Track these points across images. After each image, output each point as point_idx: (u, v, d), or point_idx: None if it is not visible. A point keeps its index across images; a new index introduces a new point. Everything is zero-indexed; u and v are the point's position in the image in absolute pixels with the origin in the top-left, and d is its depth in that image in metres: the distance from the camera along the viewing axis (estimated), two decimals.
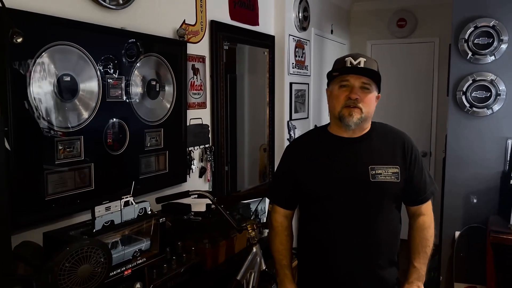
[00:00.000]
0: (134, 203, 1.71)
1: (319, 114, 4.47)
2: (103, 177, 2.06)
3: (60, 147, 1.86)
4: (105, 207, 1.59)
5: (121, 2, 2.11)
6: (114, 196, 1.70)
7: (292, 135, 3.73)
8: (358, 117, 1.61)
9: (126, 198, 1.68)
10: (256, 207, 2.52)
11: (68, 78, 1.87)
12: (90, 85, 1.98)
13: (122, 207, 1.66)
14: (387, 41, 5.15)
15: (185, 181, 2.61)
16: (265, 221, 2.64)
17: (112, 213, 1.62)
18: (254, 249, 2.15)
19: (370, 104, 1.64)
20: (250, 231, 2.15)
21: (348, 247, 1.67)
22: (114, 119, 2.12)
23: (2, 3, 1.27)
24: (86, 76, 1.95)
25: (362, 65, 1.61)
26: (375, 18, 5.16)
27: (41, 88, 1.76)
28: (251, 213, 2.52)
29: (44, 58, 1.77)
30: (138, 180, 2.23)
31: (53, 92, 1.81)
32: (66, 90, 1.86)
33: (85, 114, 1.97)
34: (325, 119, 4.64)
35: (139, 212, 1.74)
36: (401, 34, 5.05)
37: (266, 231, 2.58)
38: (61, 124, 1.86)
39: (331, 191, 1.67)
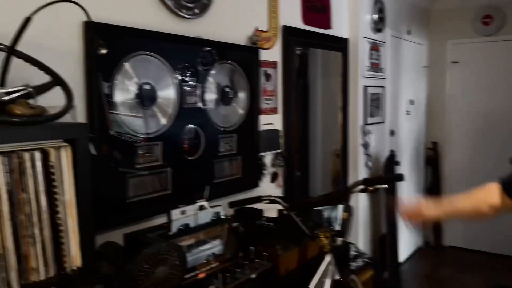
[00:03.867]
0: (208, 208, 1.75)
1: (396, 118, 4.28)
2: (180, 181, 2.12)
3: (140, 152, 1.95)
4: (181, 211, 1.64)
5: (196, 11, 2.18)
6: (190, 200, 1.74)
7: (367, 140, 3.62)
8: None
9: (200, 202, 1.72)
10: (329, 214, 2.46)
11: (148, 86, 1.96)
12: (168, 92, 2.05)
13: (197, 211, 1.70)
14: (470, 40, 4.81)
15: (257, 186, 2.63)
16: (339, 229, 2.57)
17: (187, 217, 1.66)
18: (327, 258, 2.09)
19: None
20: (323, 239, 2.10)
21: None
22: (190, 125, 2.18)
23: (89, 17, 1.36)
24: (164, 84, 2.03)
25: None
26: (457, 16, 4.85)
27: (123, 96, 1.86)
28: (324, 221, 2.47)
29: (126, 67, 1.87)
30: (212, 185, 2.27)
31: (134, 99, 1.90)
32: (146, 98, 1.95)
33: (163, 121, 2.04)
34: (402, 124, 4.44)
35: (212, 216, 1.77)
36: (486, 31, 4.70)
37: (340, 239, 2.51)
38: (142, 130, 1.94)
39: None
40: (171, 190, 2.08)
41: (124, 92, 1.86)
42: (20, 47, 1.33)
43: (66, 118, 1.30)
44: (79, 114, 1.70)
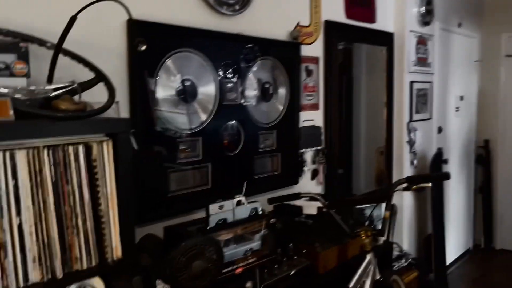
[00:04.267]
0: (245, 203, 1.75)
1: (444, 115, 4.12)
2: (219, 177, 2.14)
3: (182, 148, 1.98)
4: (219, 206, 1.65)
5: (237, 8, 2.19)
6: (229, 195, 1.76)
7: (413, 137, 3.50)
8: None
9: (238, 197, 1.73)
10: (371, 213, 2.41)
11: (189, 83, 1.99)
12: (208, 89, 2.08)
13: (234, 206, 1.71)
14: None
15: (297, 183, 2.61)
16: (380, 228, 2.51)
17: (225, 211, 1.67)
18: (368, 257, 2.05)
19: None
20: (364, 238, 2.06)
21: None
22: (230, 121, 2.20)
23: (130, 16, 1.39)
24: (205, 80, 2.06)
25: None
26: None
27: (165, 92, 1.90)
28: (366, 219, 2.42)
29: (168, 64, 1.90)
30: (252, 181, 2.28)
31: (175, 95, 1.94)
32: (187, 94, 1.98)
33: (204, 117, 2.07)
34: (451, 121, 4.27)
35: (250, 212, 1.78)
36: None
37: (382, 239, 2.45)
38: (183, 126, 1.98)
39: None
40: (210, 185, 2.11)
41: (166, 88, 1.90)
42: (67, 45, 1.38)
43: (110, 113, 1.34)
44: (123, 110, 1.75)
